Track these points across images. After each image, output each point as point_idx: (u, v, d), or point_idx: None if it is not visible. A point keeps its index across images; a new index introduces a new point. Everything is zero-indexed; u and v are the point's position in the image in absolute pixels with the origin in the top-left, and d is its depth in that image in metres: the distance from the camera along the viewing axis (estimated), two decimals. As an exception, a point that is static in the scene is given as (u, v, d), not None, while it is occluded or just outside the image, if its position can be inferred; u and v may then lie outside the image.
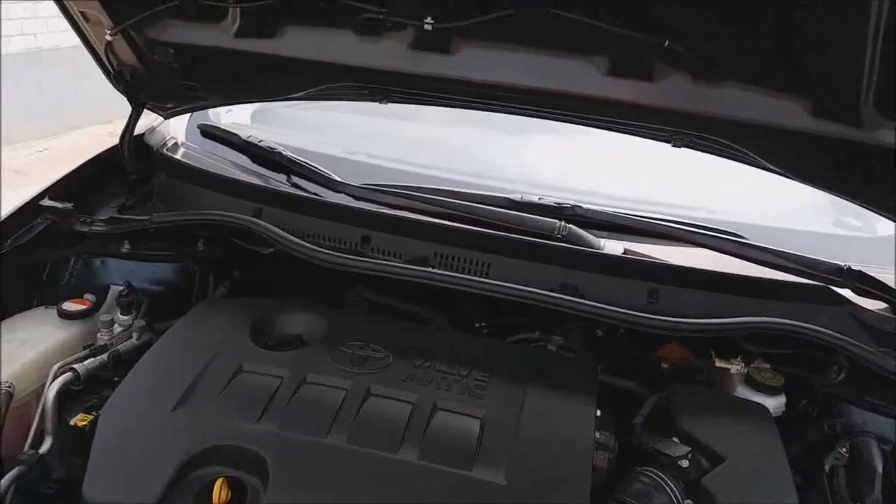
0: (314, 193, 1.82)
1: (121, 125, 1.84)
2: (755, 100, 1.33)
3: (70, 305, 1.55)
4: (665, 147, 1.53)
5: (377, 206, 1.72)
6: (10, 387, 1.34)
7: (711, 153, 1.52)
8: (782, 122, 1.35)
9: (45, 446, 1.31)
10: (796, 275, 1.56)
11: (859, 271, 1.51)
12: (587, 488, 1.14)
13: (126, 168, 1.87)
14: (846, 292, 1.52)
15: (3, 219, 1.62)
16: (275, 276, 1.77)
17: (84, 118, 6.70)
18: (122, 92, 1.77)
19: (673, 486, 1.21)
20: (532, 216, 1.64)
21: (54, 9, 1.63)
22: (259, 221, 1.60)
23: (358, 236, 1.65)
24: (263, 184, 1.83)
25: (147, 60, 1.69)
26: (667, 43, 1.28)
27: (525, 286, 1.48)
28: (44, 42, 6.40)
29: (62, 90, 6.57)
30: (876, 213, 1.45)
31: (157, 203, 1.86)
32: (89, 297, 1.60)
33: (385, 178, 1.85)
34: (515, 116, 1.60)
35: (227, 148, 1.99)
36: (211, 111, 2.11)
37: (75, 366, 1.38)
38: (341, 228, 1.67)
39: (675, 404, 1.37)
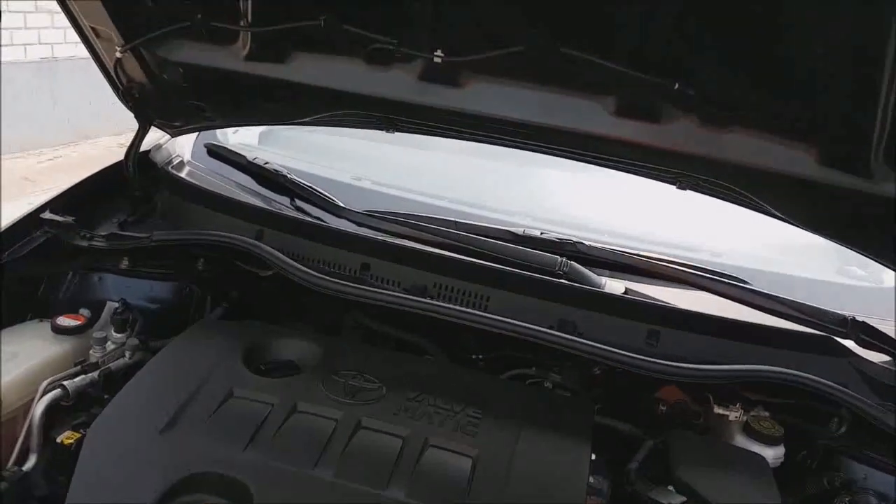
0: (317, 218, 1.82)
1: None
2: (762, 146, 1.33)
3: (64, 320, 1.54)
4: (671, 188, 1.53)
5: (378, 234, 1.71)
6: (-4, 401, 1.33)
7: (716, 197, 1.52)
8: (789, 170, 1.34)
9: (30, 463, 1.29)
10: (799, 323, 1.54)
11: (863, 322, 1.49)
12: None
13: (130, 184, 1.86)
14: (849, 343, 1.50)
15: (2, 230, 1.61)
16: (273, 299, 1.75)
17: (97, 129, 6.77)
18: (129, 108, 1.77)
19: (666, 536, 1.18)
20: (534, 251, 1.64)
21: (70, 20, 1.64)
22: (259, 244, 1.59)
23: (358, 263, 1.65)
24: (266, 206, 1.82)
25: (156, 79, 1.70)
26: (676, 86, 1.28)
27: (523, 322, 1.46)
28: (60, 52, 6.51)
29: (77, 100, 6.65)
30: (883, 264, 1.44)
31: (159, 220, 1.86)
32: (84, 312, 1.59)
33: (389, 205, 1.84)
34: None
35: (232, 168, 1.99)
36: (219, 131, 2.12)
37: (65, 382, 1.37)
38: (342, 254, 1.66)
39: (672, 451, 1.34)
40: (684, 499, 1.23)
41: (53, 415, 1.35)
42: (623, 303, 1.56)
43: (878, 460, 1.38)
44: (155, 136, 1.97)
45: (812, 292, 1.64)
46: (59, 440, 1.30)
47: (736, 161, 1.38)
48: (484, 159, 2.11)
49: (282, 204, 1.88)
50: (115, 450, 1.19)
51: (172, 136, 1.96)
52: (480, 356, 1.62)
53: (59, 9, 1.56)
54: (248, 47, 1.54)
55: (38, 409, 1.31)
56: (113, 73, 1.69)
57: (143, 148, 1.90)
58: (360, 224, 1.75)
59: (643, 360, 1.38)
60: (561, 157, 1.56)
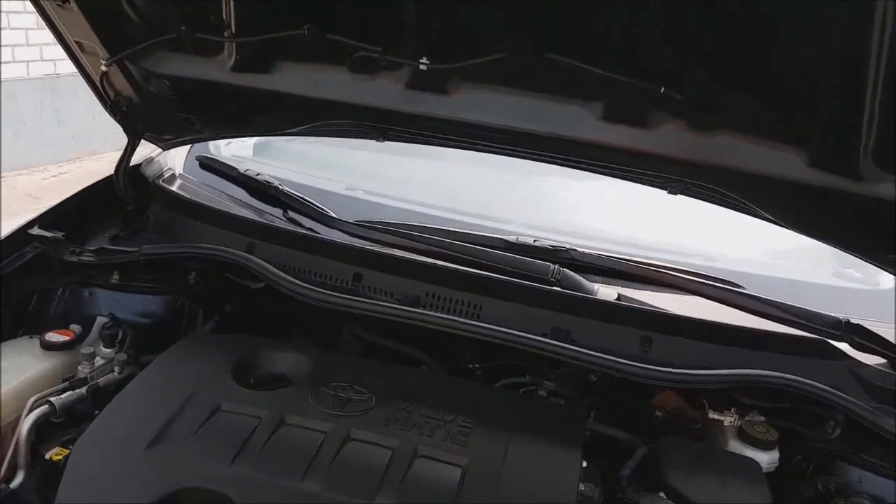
0: (309, 229, 1.81)
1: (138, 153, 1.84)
2: (751, 149, 1.32)
3: (53, 336, 1.53)
4: (663, 192, 1.51)
5: (370, 244, 1.71)
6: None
7: (707, 201, 1.50)
8: (779, 173, 1.33)
9: (17, 480, 1.28)
10: (794, 327, 1.52)
11: (858, 325, 1.47)
12: None
13: (121, 198, 1.86)
14: (844, 346, 1.48)
15: (-4, 246, 1.61)
16: (266, 312, 1.74)
17: (102, 144, 6.81)
18: (118, 122, 1.77)
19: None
20: (526, 259, 1.63)
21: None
22: (250, 257, 1.58)
23: (350, 274, 1.64)
24: (258, 218, 1.82)
25: (143, 92, 1.70)
26: (662, 90, 1.27)
27: (516, 330, 1.45)
28: (63, 68, 6.55)
29: (81, 116, 6.69)
30: (875, 265, 1.42)
31: (151, 234, 1.86)
32: (75, 327, 1.58)
33: (382, 215, 1.84)
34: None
35: (225, 181, 1.99)
36: (211, 144, 2.12)
37: (52, 398, 1.36)
38: (334, 265, 1.65)
39: (664, 457, 1.32)
40: (673, 504, 1.22)
41: (43, 431, 1.34)
42: (616, 309, 1.55)
43: (874, 464, 1.36)
44: (147, 149, 1.97)
45: (808, 296, 1.62)
46: (48, 456, 1.29)
47: (725, 165, 1.37)
48: (477, 167, 2.11)
49: (274, 216, 1.87)
50: (101, 465, 1.18)
51: (164, 150, 1.96)
52: (477, 365, 1.61)
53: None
54: (233, 58, 1.54)
55: (25, 425, 1.30)
56: (100, 87, 1.69)
57: (136, 161, 1.91)
58: (352, 234, 1.74)
59: (636, 366, 1.37)
60: (550, 163, 1.56)
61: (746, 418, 1.45)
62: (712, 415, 1.48)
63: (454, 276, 1.59)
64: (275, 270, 1.55)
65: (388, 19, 1.38)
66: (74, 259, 1.63)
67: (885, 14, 1.02)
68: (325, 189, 1.97)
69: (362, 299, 1.49)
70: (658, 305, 1.59)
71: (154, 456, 1.18)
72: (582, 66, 1.28)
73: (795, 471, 1.43)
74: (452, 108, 1.48)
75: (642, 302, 1.60)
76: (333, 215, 1.80)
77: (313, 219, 1.81)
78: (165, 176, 1.95)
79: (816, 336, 1.50)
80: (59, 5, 1.51)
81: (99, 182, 1.89)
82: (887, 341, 1.45)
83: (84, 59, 1.66)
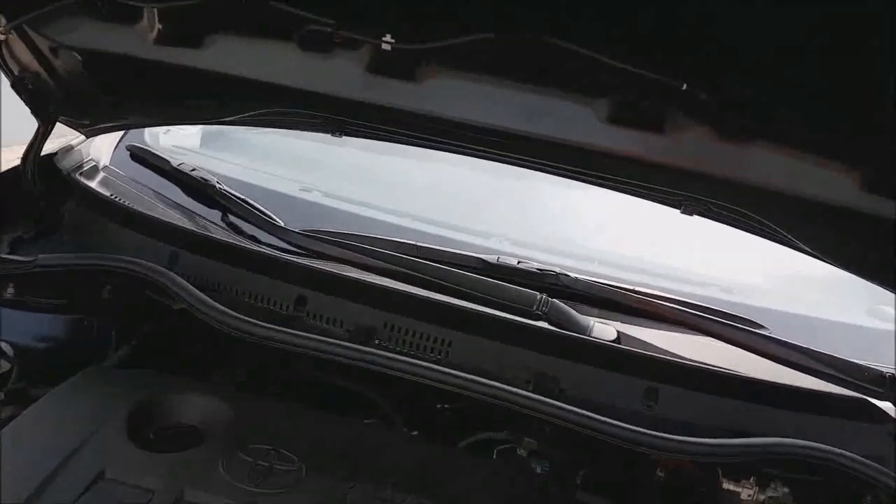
0: (251, 237, 1.53)
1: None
2: (792, 166, 1.11)
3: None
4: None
5: (319, 261, 1.42)
6: None
7: (730, 225, 1.29)
8: (824, 196, 1.13)
9: None
10: (827, 381, 1.30)
11: (906, 381, 1.24)
12: None
13: (31, 192, 1.56)
14: (888, 406, 1.27)
15: None
16: (191, 337, 1.45)
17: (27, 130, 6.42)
18: (24, 102, 1.47)
19: None
20: (507, 286, 1.36)
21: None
22: (163, 271, 1.32)
23: (292, 296, 1.36)
24: (187, 223, 1.53)
25: (52, 67, 1.41)
26: (684, 86, 1.04)
27: (493, 376, 1.21)
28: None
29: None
30: None
31: (63, 237, 1.58)
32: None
33: (338, 223, 1.56)
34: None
35: (159, 177, 1.69)
36: (147, 132, 1.81)
37: None
38: (273, 285, 1.37)
39: None
40: None
41: None
42: (615, 354, 1.29)
43: None
44: (73, 137, 1.67)
45: (838, 338, 1.40)
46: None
47: (758, 183, 1.16)
48: (456, 167, 1.83)
49: (211, 220, 1.58)
50: None
51: (87, 137, 1.66)
52: (446, 405, 1.35)
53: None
54: (156, 29, 1.26)
55: None
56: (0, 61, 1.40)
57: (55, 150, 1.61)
58: (297, 247, 1.46)
59: (640, 433, 1.14)
60: (541, 171, 1.30)
61: (769, 495, 1.22)
62: (726, 485, 1.24)
63: (418, 304, 1.34)
64: (192, 291, 1.28)
65: None
66: None
67: None
68: (274, 190, 1.68)
69: (298, 333, 1.23)
70: (665, 348, 1.33)
71: None
72: (584, 52, 1.03)
73: None
74: (423, 99, 1.23)
75: (646, 342, 1.35)
76: (279, 222, 1.51)
77: (256, 225, 1.53)
78: (85, 168, 1.65)
79: (856, 393, 1.28)
80: None
81: (6, 172, 1.59)
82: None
83: None
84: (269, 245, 1.50)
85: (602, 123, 1.16)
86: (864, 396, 1.27)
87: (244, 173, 1.76)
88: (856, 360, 1.30)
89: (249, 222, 1.55)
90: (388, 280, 1.38)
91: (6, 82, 1.44)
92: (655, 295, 1.42)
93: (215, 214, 1.61)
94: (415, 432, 1.31)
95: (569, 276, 1.41)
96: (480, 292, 1.34)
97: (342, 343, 1.22)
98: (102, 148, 1.74)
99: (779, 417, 1.25)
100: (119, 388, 1.21)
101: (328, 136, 1.44)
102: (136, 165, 1.74)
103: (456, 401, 1.35)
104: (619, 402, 1.23)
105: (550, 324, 1.33)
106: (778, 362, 1.32)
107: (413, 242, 1.45)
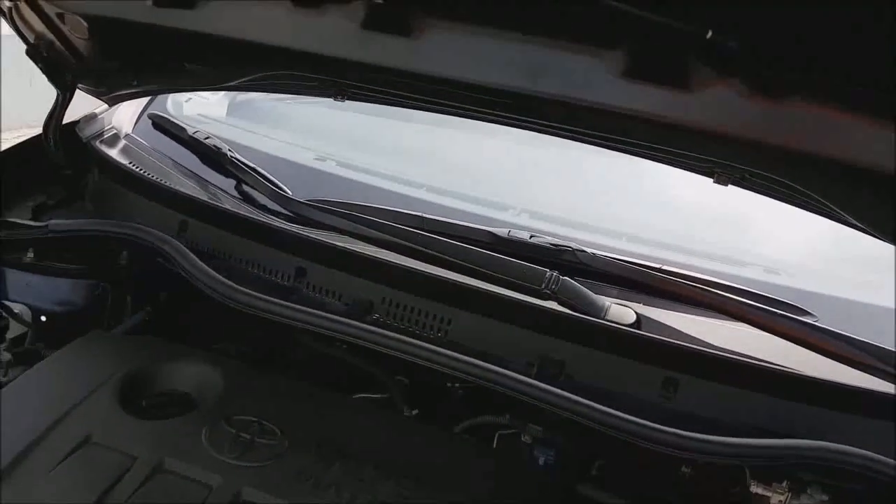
0: (261, 205, 1.49)
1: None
2: (836, 126, 0.95)
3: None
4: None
5: (321, 232, 1.36)
6: None
7: (768, 195, 1.14)
8: (876, 162, 0.96)
9: None
10: (879, 377, 1.12)
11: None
12: None
13: (53, 160, 1.58)
14: None
15: None
16: (203, 305, 1.43)
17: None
18: (41, 70, 1.47)
19: None
20: (514, 261, 1.25)
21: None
22: (167, 239, 1.30)
23: (292, 268, 1.31)
24: (199, 191, 1.51)
25: (63, 34, 1.39)
26: (709, 34, 0.89)
27: (494, 356, 1.13)
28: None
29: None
30: None
31: (88, 204, 1.59)
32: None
33: (352, 193, 1.49)
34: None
35: (179, 145, 1.68)
36: (170, 99, 1.80)
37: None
38: (274, 255, 1.33)
39: None
40: None
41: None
42: (631, 340, 1.17)
43: None
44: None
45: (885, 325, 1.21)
46: None
47: (797, 147, 1.00)
48: (483, 136, 1.72)
49: (222, 190, 1.55)
50: None
51: (109, 105, 1.66)
52: (457, 384, 1.27)
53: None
54: None
55: None
56: (10, 25, 1.39)
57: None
58: (299, 216, 1.41)
59: (654, 429, 1.03)
60: (552, 135, 1.19)
61: (803, 499, 1.08)
62: (755, 488, 1.11)
63: (417, 278, 1.25)
64: (192, 259, 1.26)
65: None
66: None
67: None
68: (290, 160, 1.63)
69: (292, 306, 1.17)
70: (689, 332, 1.20)
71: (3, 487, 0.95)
72: None
73: None
74: (422, 57, 1.12)
75: (669, 327, 1.22)
76: (287, 192, 1.46)
77: (263, 194, 1.49)
78: (106, 136, 1.65)
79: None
80: None
81: (28, 140, 1.61)
82: None
83: None
84: (276, 214, 1.46)
85: (618, 79, 1.01)
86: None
87: (263, 142, 1.72)
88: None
89: (257, 190, 1.51)
90: (389, 253, 1.31)
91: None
92: (683, 274, 1.27)
93: (230, 183, 1.58)
94: (414, 411, 1.25)
95: (586, 252, 1.28)
96: (484, 268, 1.24)
97: (336, 318, 1.16)
98: (125, 117, 1.74)
99: (820, 417, 1.10)
100: (118, 353, 1.21)
101: (354, 105, 1.38)
102: (158, 134, 1.73)
103: (466, 381, 1.28)
104: (631, 390, 1.12)
105: (560, 303, 1.21)
106: (822, 354, 1.16)
107: (420, 214, 1.37)
